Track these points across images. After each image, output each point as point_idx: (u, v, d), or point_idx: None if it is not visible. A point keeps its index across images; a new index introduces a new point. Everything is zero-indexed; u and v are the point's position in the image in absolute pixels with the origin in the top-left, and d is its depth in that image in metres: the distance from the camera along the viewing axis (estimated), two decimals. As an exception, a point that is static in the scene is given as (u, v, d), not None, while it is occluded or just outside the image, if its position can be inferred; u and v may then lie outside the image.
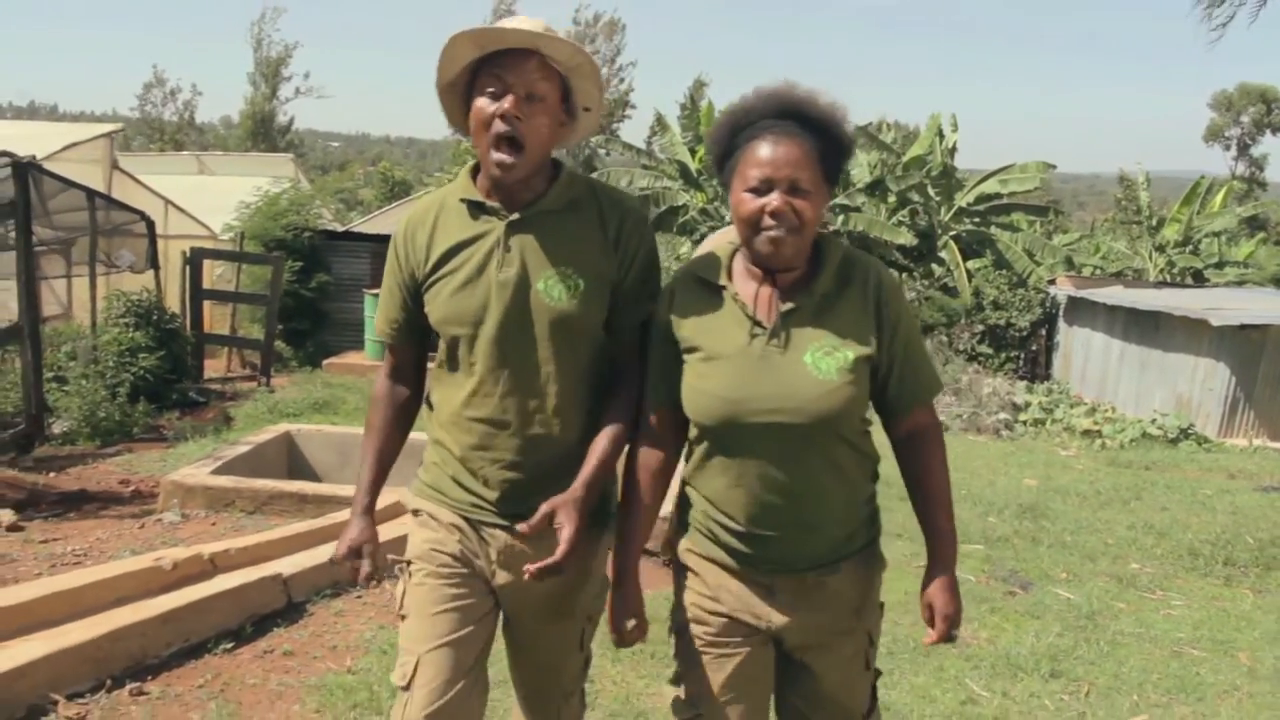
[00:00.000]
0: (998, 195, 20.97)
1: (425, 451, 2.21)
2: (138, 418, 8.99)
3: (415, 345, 2.21)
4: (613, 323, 2.08)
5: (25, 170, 9.23)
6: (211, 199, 18.23)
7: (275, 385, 11.56)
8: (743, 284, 1.99)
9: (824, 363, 1.91)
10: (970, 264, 20.37)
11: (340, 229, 18.67)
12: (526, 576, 1.93)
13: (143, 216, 12.59)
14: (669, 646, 2.14)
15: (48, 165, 10.43)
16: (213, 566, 4.11)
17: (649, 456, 2.09)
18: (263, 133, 50.62)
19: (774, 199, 1.88)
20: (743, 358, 1.94)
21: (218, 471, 5.67)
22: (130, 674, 3.35)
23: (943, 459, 2.06)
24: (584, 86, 2.03)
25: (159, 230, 13.12)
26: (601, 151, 31.48)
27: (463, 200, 2.08)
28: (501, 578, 2.11)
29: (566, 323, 2.02)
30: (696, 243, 19.55)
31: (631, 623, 2.09)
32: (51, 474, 7.09)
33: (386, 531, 3.65)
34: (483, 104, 1.95)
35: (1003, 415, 13.32)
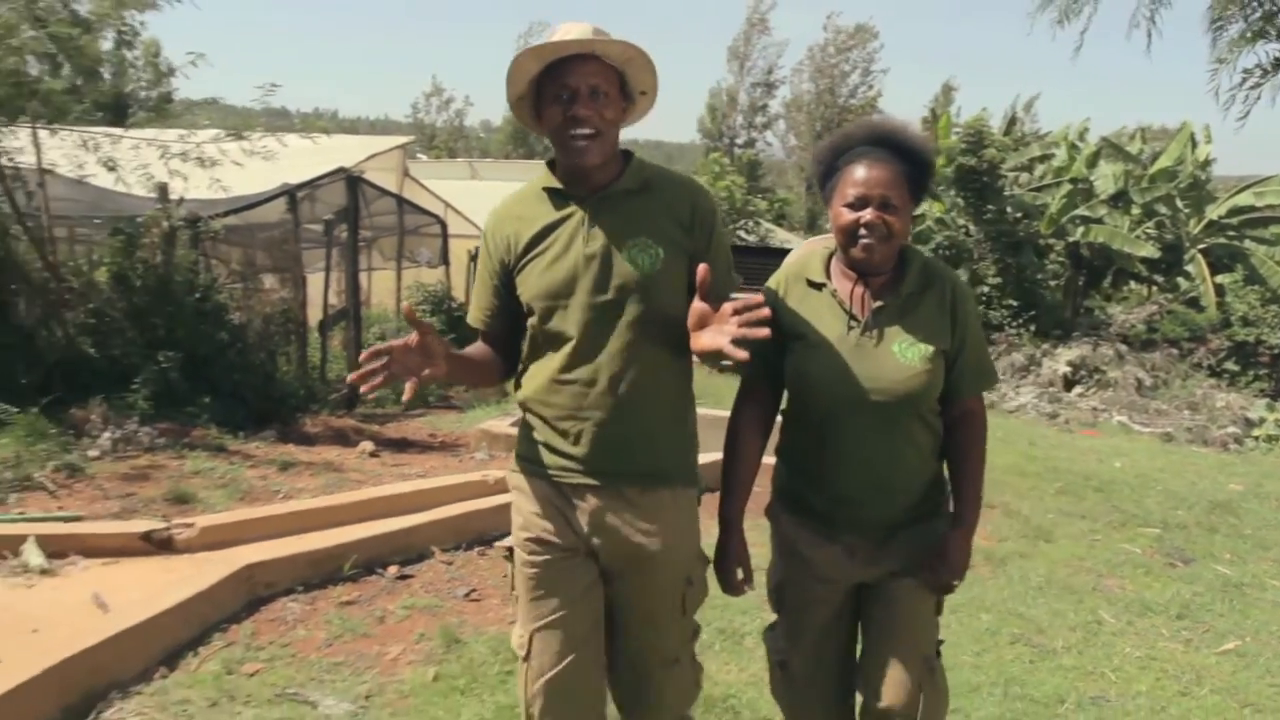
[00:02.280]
0: (1252, 208, 20.24)
1: (519, 429, 2.38)
2: (433, 388, 10.79)
3: (507, 330, 2.33)
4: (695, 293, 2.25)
5: (355, 182, 11.34)
6: (483, 202, 20.44)
7: (541, 367, 13.31)
8: (840, 283, 2.28)
9: (909, 352, 2.20)
10: (1220, 278, 19.79)
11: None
12: None
13: (437, 219, 14.75)
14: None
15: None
16: (520, 485, 5.60)
17: (748, 422, 2.39)
18: (520, 137, 54.32)
19: (868, 213, 2.16)
20: (840, 346, 2.22)
21: (514, 424, 7.25)
22: (476, 542, 4.87)
23: (982, 440, 2.36)
24: (638, 75, 2.21)
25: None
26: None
27: (545, 189, 2.25)
28: (595, 538, 2.23)
29: (650, 288, 2.18)
30: (933, 251, 20.11)
31: (739, 572, 2.34)
32: (376, 426, 8.93)
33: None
34: (556, 109, 2.15)
35: (1232, 429, 13.33)
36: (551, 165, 2.27)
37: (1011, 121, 24.56)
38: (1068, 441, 11.06)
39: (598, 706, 2.29)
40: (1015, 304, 18.36)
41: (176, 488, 5.43)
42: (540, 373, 2.23)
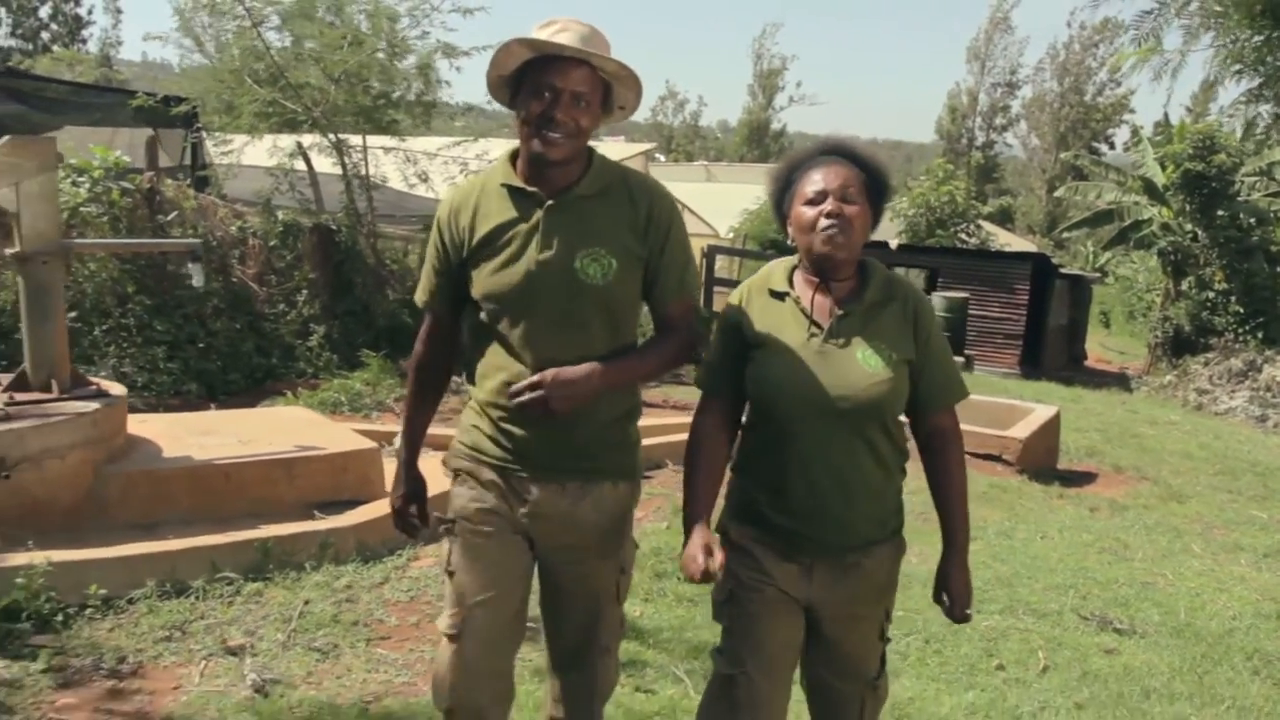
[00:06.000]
0: None
1: (463, 415, 2.37)
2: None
3: (454, 312, 2.35)
4: (651, 295, 2.28)
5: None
6: (716, 202, 22.23)
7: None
8: (803, 292, 2.25)
9: (872, 359, 2.17)
10: None
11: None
12: (513, 399, 2.12)
13: (675, 220, 16.63)
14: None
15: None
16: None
17: (708, 431, 2.31)
18: (756, 139, 55.90)
19: (828, 204, 2.16)
20: (802, 353, 2.19)
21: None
22: (696, 461, 6.54)
23: (961, 458, 2.32)
24: (623, 92, 2.22)
25: (681, 230, 17.04)
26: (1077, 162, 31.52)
27: (503, 185, 2.22)
28: (536, 529, 2.26)
29: (601, 298, 2.18)
30: (1158, 256, 20.13)
31: (702, 555, 2.08)
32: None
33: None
34: (536, 103, 2.11)
35: None
36: (513, 159, 2.26)
37: (1249, 124, 23.89)
38: (1260, 440, 11.56)
39: (509, 691, 2.37)
40: (1241, 311, 18.29)
41: (482, 415, 7.46)
42: (490, 373, 2.24)
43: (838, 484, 2.18)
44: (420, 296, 2.39)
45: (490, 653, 2.26)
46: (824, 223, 2.15)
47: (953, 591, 2.28)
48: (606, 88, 2.20)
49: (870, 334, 2.19)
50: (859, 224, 2.18)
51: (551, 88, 2.10)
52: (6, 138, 4.46)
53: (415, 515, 2.47)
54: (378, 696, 3.28)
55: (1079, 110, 54.32)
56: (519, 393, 2.11)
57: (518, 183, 2.21)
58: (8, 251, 4.60)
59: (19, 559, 3.68)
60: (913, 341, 2.23)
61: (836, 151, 2.26)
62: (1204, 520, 6.70)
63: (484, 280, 2.20)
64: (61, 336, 4.67)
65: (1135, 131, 23.47)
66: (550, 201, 2.18)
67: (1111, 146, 51.36)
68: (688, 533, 2.19)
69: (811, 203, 2.18)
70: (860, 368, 2.16)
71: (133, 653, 3.44)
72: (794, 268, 2.30)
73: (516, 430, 2.22)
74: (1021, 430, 7.75)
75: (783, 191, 2.28)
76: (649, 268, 2.24)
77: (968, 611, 2.29)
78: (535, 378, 2.11)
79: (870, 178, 2.23)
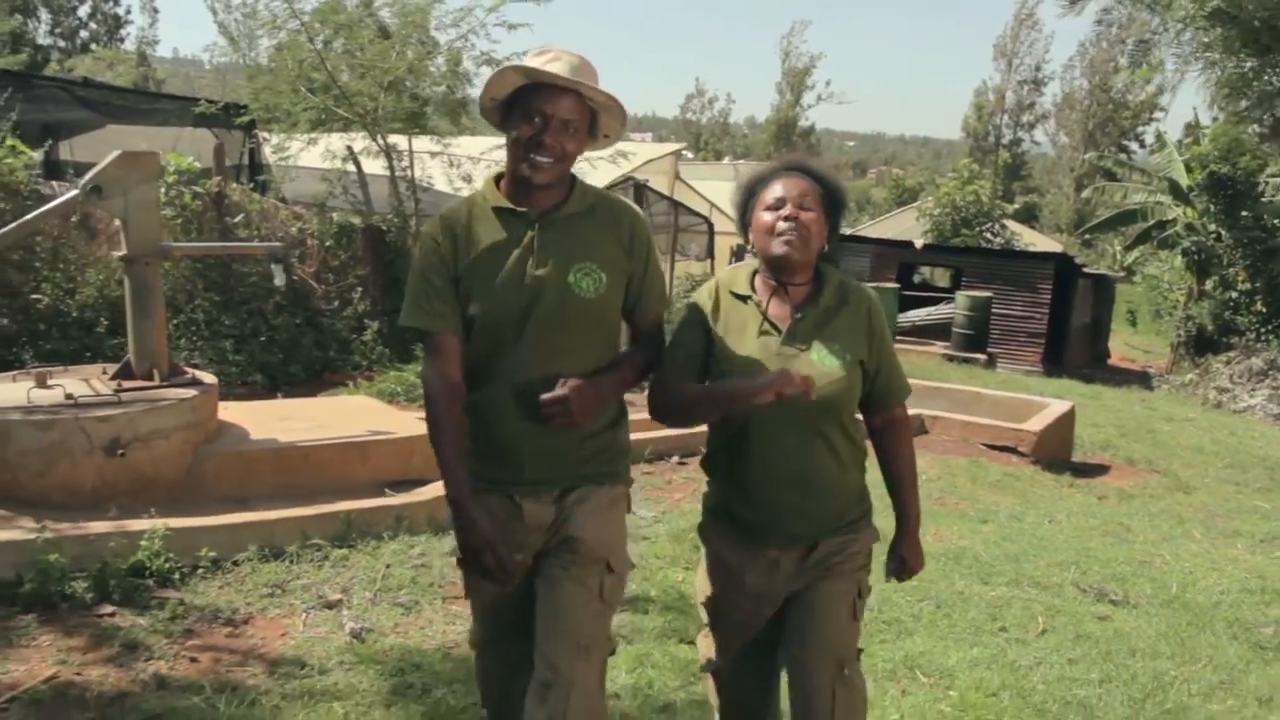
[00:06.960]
0: None
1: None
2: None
3: (458, 331, 2.29)
4: (635, 307, 2.39)
5: (641, 189, 13.81)
6: (745, 202, 22.63)
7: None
8: (763, 296, 2.40)
9: (828, 360, 2.31)
10: None
11: (848, 231, 22.13)
12: (543, 411, 2.18)
13: (705, 219, 17.10)
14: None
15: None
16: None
17: (669, 384, 2.40)
18: (784, 137, 56.16)
19: (787, 208, 2.31)
20: (761, 355, 2.33)
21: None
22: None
23: (910, 445, 2.52)
24: (608, 121, 2.32)
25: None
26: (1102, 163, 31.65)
27: (493, 207, 2.29)
28: (532, 541, 2.33)
29: (594, 311, 2.28)
30: (1181, 256, 20.36)
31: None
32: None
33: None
34: (526, 127, 2.20)
35: None
36: (496, 181, 2.35)
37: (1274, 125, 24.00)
38: (1275, 437, 11.89)
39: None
40: (1264, 310, 18.53)
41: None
42: (485, 389, 2.30)
43: (796, 479, 2.34)
44: (420, 320, 2.27)
45: (517, 666, 2.38)
46: (782, 225, 2.32)
47: (908, 564, 2.52)
48: (593, 116, 2.30)
49: (825, 336, 2.35)
50: (815, 229, 2.34)
51: (541, 113, 2.19)
52: (117, 152, 4.99)
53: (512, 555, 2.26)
54: (456, 644, 3.78)
55: (1108, 108, 54.23)
56: (548, 404, 2.17)
57: (506, 204, 2.29)
58: (115, 254, 5.13)
59: (142, 524, 4.22)
60: (866, 343, 2.39)
61: (796, 168, 2.44)
62: (1208, 509, 7.11)
63: (480, 297, 2.25)
64: (161, 330, 5.21)
65: (1159, 136, 23.68)
66: (541, 219, 2.28)
67: (1141, 145, 51.28)
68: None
69: (771, 209, 2.35)
70: (816, 368, 2.30)
71: (243, 606, 3.97)
72: (755, 272, 2.47)
73: (511, 446, 2.28)
74: (1036, 424, 8.16)
75: (746, 201, 2.45)
76: (633, 282, 2.36)
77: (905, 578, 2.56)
78: (562, 392, 2.17)
79: (827, 192, 2.41)
